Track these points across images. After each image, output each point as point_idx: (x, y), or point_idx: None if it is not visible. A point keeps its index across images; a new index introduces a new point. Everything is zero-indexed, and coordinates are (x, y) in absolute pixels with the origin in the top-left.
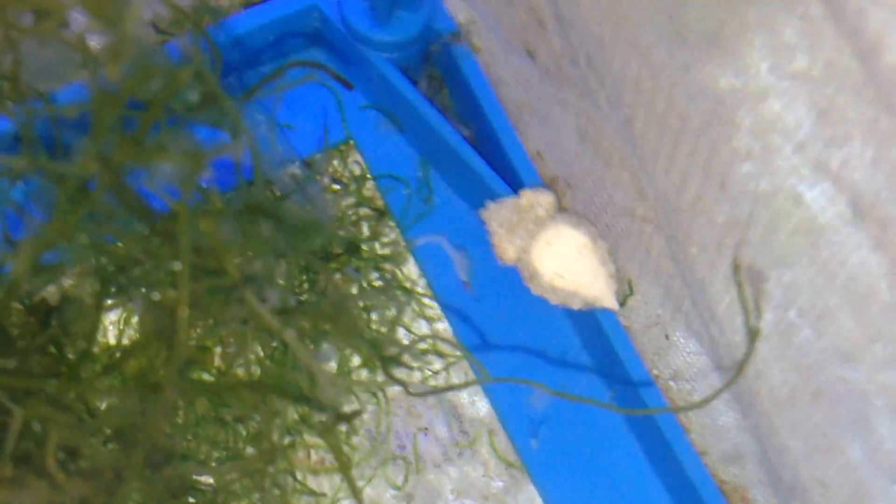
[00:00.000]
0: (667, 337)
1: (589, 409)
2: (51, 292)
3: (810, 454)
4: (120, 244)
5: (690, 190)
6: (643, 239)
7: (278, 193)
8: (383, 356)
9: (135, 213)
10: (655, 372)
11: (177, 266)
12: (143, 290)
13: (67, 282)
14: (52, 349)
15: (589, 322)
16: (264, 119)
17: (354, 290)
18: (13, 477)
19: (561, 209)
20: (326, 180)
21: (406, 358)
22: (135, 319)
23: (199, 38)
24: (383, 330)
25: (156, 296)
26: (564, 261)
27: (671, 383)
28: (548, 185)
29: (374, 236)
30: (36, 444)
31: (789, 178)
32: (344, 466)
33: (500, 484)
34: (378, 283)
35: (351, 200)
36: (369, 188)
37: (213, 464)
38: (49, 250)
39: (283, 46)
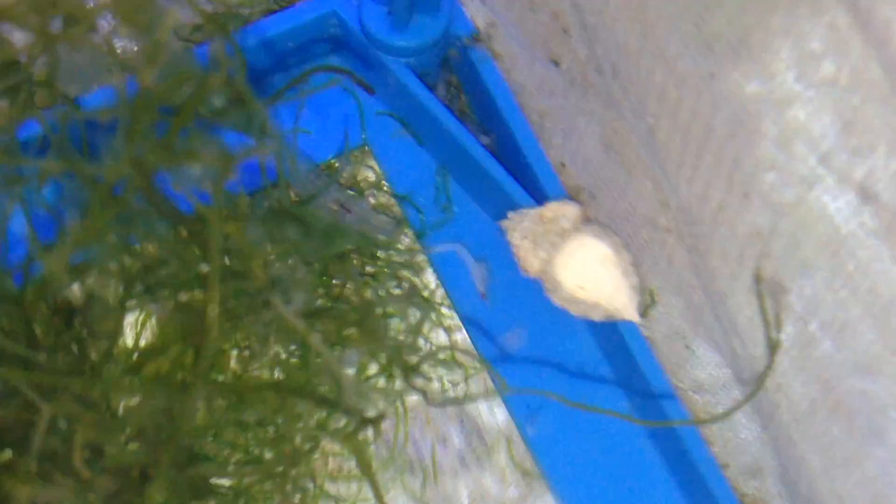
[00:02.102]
0: (689, 348)
1: (610, 420)
2: (73, 291)
3: (828, 467)
4: (145, 245)
5: (713, 200)
6: (665, 249)
7: (301, 196)
8: (404, 365)
9: (163, 215)
10: (678, 383)
11: (204, 268)
12: (169, 291)
13: (91, 282)
14: (75, 348)
15: (611, 333)
16: (286, 123)
17: (369, 295)
18: (40, 473)
19: (585, 220)
20: (343, 186)
21: (425, 368)
22: (154, 321)
23: (224, 43)
24: (401, 337)
25: (182, 297)
26: (587, 272)
27: (694, 395)
28: (572, 195)
29: (390, 243)
30: (62, 442)
31: (813, 189)
32: (367, 470)
33: (518, 493)
34: (396, 291)
35: (367, 206)
36: (385, 195)
37: (234, 466)
38: (79, 251)
39: (304, 53)
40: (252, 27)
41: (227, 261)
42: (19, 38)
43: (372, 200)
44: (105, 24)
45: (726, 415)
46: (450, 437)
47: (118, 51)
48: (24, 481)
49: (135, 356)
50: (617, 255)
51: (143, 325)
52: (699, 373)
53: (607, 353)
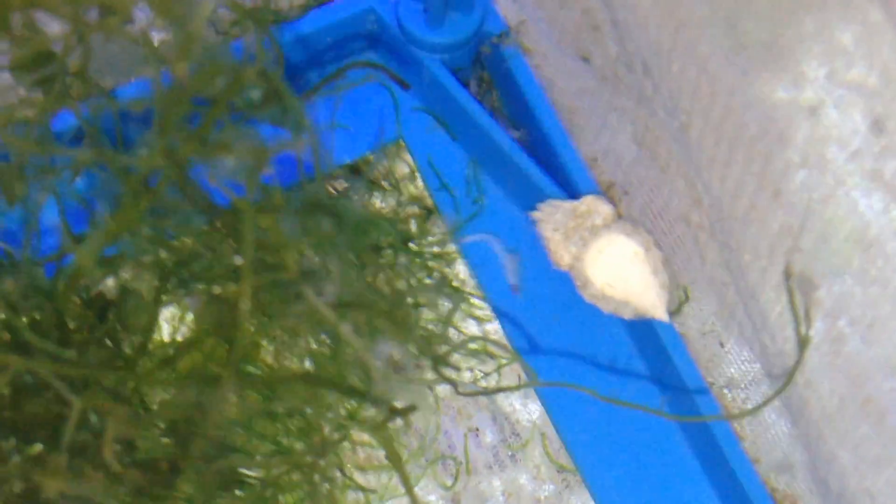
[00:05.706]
0: (721, 345)
1: (643, 416)
2: (108, 286)
3: (858, 464)
4: (180, 238)
5: (745, 197)
6: (698, 246)
7: (336, 190)
8: (435, 354)
9: (197, 207)
10: (710, 380)
11: (237, 260)
12: (203, 284)
13: (126, 275)
14: (109, 343)
15: (644, 329)
16: (324, 118)
17: (403, 287)
18: (71, 466)
19: (616, 217)
20: (377, 179)
21: (456, 357)
22: (189, 317)
23: (261, 37)
24: (432, 328)
25: (216, 289)
26: (616, 270)
27: (725, 391)
28: (604, 191)
29: (423, 234)
30: (93, 436)
31: (843, 187)
32: (396, 460)
33: (553, 487)
34: (428, 282)
35: (401, 199)
36: (418, 187)
37: (263, 457)
38: (112, 243)
39: (341, 49)
40: (290, 23)
41: (260, 253)
42: (56, 28)
43: (405, 192)
44: (143, 15)
45: (757, 409)
46: (483, 430)
47: (156, 43)
48: (54, 475)
49: (168, 351)
50: (647, 252)
51: (181, 320)
52: (731, 369)
53: (640, 348)
